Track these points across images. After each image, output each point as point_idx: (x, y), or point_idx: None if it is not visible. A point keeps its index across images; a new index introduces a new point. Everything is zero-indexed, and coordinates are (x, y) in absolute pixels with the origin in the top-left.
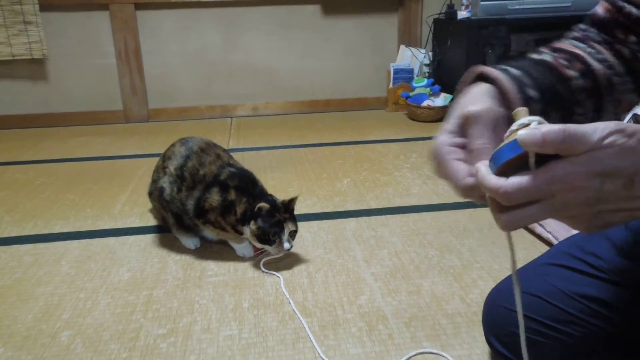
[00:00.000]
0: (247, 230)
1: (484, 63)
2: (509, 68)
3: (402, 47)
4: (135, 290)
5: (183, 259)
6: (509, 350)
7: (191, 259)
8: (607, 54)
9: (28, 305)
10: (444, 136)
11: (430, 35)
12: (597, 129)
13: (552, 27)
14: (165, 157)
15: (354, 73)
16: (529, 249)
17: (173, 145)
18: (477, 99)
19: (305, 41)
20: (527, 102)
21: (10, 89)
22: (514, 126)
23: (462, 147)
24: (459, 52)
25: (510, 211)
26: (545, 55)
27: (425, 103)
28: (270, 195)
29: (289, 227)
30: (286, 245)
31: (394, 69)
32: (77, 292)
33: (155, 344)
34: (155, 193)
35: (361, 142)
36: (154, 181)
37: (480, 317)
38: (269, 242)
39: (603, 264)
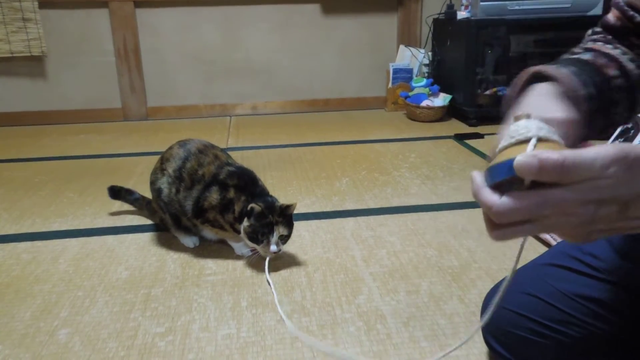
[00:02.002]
0: (242, 229)
1: (484, 63)
2: (562, 67)
3: (402, 46)
4: (133, 288)
5: (181, 258)
6: (507, 350)
7: (190, 257)
8: (633, 54)
9: (26, 303)
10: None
11: (430, 35)
12: (597, 158)
13: (551, 27)
14: (163, 159)
15: (353, 72)
16: (527, 250)
17: (171, 147)
18: (545, 101)
19: (305, 40)
20: (589, 99)
21: (9, 86)
22: (512, 134)
23: None
24: (458, 52)
25: (502, 228)
26: (583, 55)
27: (424, 103)
28: (271, 196)
29: (279, 230)
30: (273, 247)
31: (393, 69)
32: (75, 290)
33: (153, 343)
34: (154, 194)
35: (360, 141)
36: (152, 182)
37: (478, 317)
38: (257, 242)
39: (602, 265)
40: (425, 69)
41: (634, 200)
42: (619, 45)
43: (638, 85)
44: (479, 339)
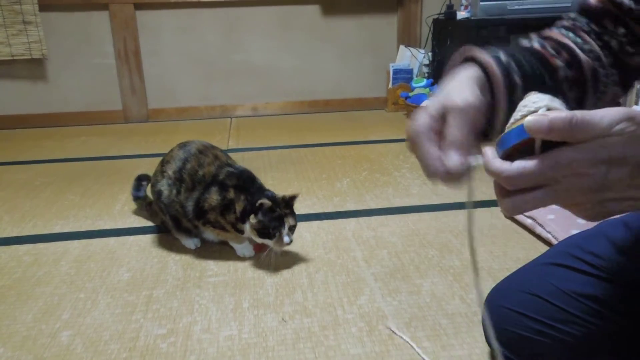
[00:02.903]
0: (247, 226)
1: None
2: (499, 53)
3: (402, 47)
4: (135, 290)
5: (183, 259)
6: (509, 349)
7: (191, 259)
8: (594, 45)
9: (28, 305)
10: (425, 118)
11: (430, 36)
12: (605, 116)
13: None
14: (164, 162)
15: (354, 73)
16: (528, 249)
17: (171, 150)
18: (464, 86)
19: (305, 41)
20: (512, 89)
21: (10, 89)
22: (521, 109)
23: (439, 132)
24: None
25: (514, 196)
26: (535, 42)
27: (424, 103)
28: (269, 190)
29: (289, 221)
30: (286, 239)
31: (393, 69)
32: (76, 292)
33: (155, 344)
34: (154, 196)
35: (361, 142)
36: (152, 185)
37: (480, 317)
38: (269, 237)
39: (603, 263)
40: (425, 69)
41: None
42: (581, 34)
43: (591, 76)
44: (481, 338)
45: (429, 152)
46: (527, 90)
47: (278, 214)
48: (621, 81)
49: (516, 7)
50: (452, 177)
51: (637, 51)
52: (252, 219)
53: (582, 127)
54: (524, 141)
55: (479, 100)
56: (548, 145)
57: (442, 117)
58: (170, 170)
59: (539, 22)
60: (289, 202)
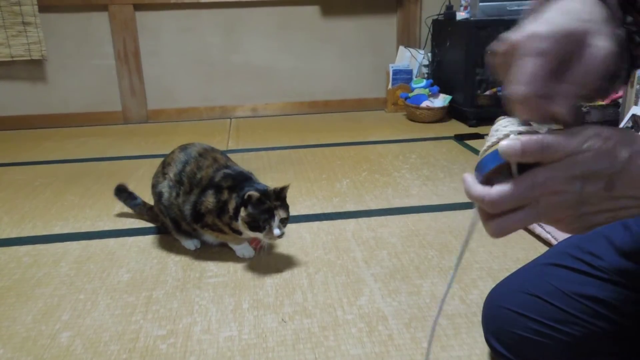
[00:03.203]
0: (239, 220)
1: (483, 64)
2: None
3: (401, 48)
4: (134, 291)
5: (183, 260)
6: (508, 350)
7: (191, 260)
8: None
9: (27, 306)
10: (559, 34)
11: (429, 36)
12: (574, 134)
13: None
14: (164, 164)
15: (353, 74)
16: (528, 250)
17: (172, 152)
18: (600, 17)
19: (305, 42)
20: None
21: (10, 90)
22: (494, 134)
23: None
24: (458, 53)
25: (497, 219)
26: None
27: (424, 104)
28: (260, 184)
29: (279, 214)
30: (276, 231)
31: (393, 70)
32: (76, 293)
33: (155, 345)
34: (155, 197)
35: (360, 143)
36: (153, 186)
37: (480, 318)
38: (260, 229)
39: (602, 264)
40: (424, 70)
41: (618, 176)
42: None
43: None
44: (481, 339)
45: (545, 75)
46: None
47: (268, 206)
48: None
49: (515, 7)
50: (554, 117)
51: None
52: (242, 212)
53: (552, 148)
54: (500, 165)
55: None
56: (524, 167)
57: (575, 45)
58: (171, 172)
59: None
60: (280, 194)
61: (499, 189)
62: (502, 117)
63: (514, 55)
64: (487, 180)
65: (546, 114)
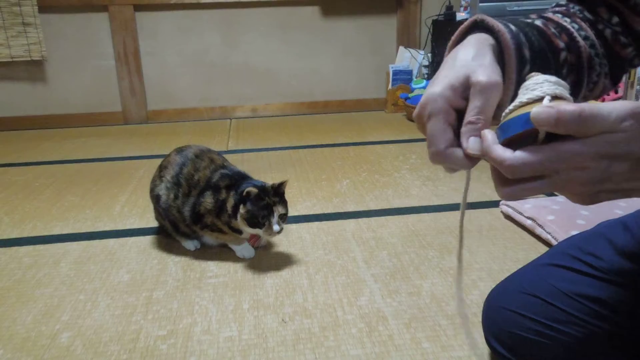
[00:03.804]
0: (238, 217)
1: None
2: (508, 23)
3: (401, 48)
4: (135, 291)
5: (183, 261)
6: (509, 350)
7: (191, 260)
8: (589, 32)
9: (27, 307)
10: (445, 88)
11: (429, 37)
12: (613, 111)
13: None
14: (161, 167)
15: (353, 74)
16: (528, 250)
17: (169, 154)
18: (484, 58)
19: (304, 42)
20: (521, 62)
21: (9, 90)
22: (526, 92)
23: (457, 109)
24: None
25: (513, 185)
26: (537, 20)
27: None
28: (258, 180)
29: (278, 210)
30: (275, 227)
31: (392, 70)
32: (76, 293)
33: (155, 346)
34: (153, 201)
35: (360, 143)
36: (151, 190)
37: (480, 318)
38: (259, 225)
39: (602, 264)
40: (425, 71)
41: None
42: (578, 20)
43: (588, 63)
44: (481, 339)
45: (443, 129)
46: (533, 67)
47: (266, 202)
48: (611, 73)
49: (515, 8)
50: (467, 162)
51: (629, 42)
52: (241, 209)
53: (590, 121)
54: (527, 130)
55: (501, 79)
56: (551, 135)
57: (463, 91)
58: (168, 175)
59: None
60: (278, 189)
61: (522, 155)
62: (537, 73)
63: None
64: (508, 143)
65: (457, 160)
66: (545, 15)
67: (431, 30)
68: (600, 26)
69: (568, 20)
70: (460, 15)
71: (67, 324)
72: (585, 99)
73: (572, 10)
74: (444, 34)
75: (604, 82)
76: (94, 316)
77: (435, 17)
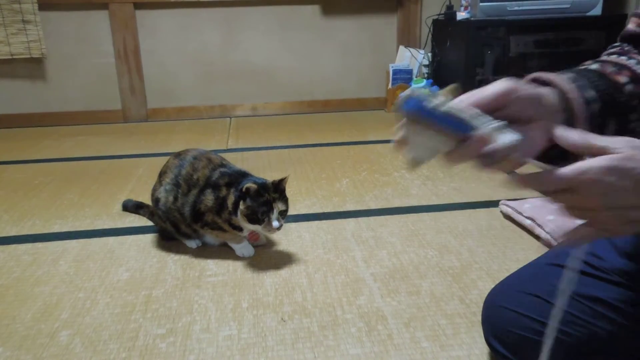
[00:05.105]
0: (238, 214)
1: (483, 64)
2: (561, 73)
3: (401, 47)
4: (134, 290)
5: (182, 259)
6: (509, 350)
7: (190, 259)
8: None
9: (27, 305)
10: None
11: (430, 36)
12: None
13: (551, 28)
14: (161, 173)
15: (353, 73)
16: (527, 250)
17: (167, 160)
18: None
19: (305, 41)
20: (587, 103)
21: (9, 88)
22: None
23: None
24: (458, 53)
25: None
26: (591, 65)
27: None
28: (259, 177)
29: (278, 206)
30: (275, 223)
31: (393, 70)
32: (75, 291)
33: (154, 344)
34: (153, 204)
35: (360, 142)
36: (152, 194)
37: (479, 318)
38: (259, 222)
39: (603, 264)
40: (425, 70)
41: None
42: (634, 56)
43: None
44: (481, 339)
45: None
46: (602, 103)
47: (266, 199)
48: None
49: (516, 8)
50: (493, 158)
51: None
52: (241, 205)
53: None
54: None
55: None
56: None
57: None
58: (167, 178)
59: (539, 23)
60: (278, 186)
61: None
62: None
63: None
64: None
65: None
66: (599, 59)
67: (431, 29)
68: None
69: (624, 57)
70: (461, 15)
71: (66, 322)
72: None
73: (626, 48)
74: (444, 34)
75: None
76: (93, 314)
77: (435, 17)
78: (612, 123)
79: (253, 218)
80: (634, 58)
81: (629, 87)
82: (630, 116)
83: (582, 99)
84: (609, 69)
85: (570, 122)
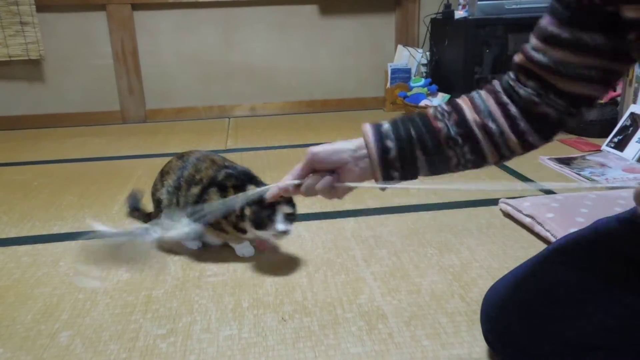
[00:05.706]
0: (246, 219)
1: (481, 63)
2: (383, 123)
3: (400, 46)
4: (134, 290)
5: (182, 259)
6: (508, 348)
7: (190, 259)
8: (491, 102)
9: (27, 306)
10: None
11: (428, 35)
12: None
13: None
14: (163, 173)
15: (352, 73)
16: (527, 248)
17: (170, 161)
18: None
19: (303, 41)
20: (384, 151)
21: (7, 90)
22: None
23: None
24: (456, 51)
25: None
26: (442, 106)
27: (422, 103)
28: (264, 183)
29: (283, 209)
30: (280, 226)
31: (391, 69)
32: (75, 292)
33: (155, 344)
34: (154, 205)
35: None
36: (152, 194)
37: (479, 316)
38: (265, 226)
39: None
40: (423, 69)
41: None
42: (480, 92)
43: (482, 132)
44: (480, 337)
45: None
46: (400, 149)
47: (271, 203)
48: (540, 129)
49: (514, 6)
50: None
51: (543, 101)
52: (247, 210)
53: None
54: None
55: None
56: None
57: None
58: (170, 179)
59: (536, 21)
60: None
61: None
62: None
63: None
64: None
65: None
66: (458, 99)
67: (430, 28)
68: (520, 88)
69: (476, 95)
70: (459, 14)
71: (66, 323)
72: (507, 158)
73: (496, 87)
74: (442, 33)
75: (533, 138)
76: (93, 315)
77: (433, 16)
78: (422, 159)
79: (258, 223)
80: (483, 98)
81: (445, 132)
82: (448, 152)
83: (378, 149)
84: (436, 114)
85: (373, 164)
